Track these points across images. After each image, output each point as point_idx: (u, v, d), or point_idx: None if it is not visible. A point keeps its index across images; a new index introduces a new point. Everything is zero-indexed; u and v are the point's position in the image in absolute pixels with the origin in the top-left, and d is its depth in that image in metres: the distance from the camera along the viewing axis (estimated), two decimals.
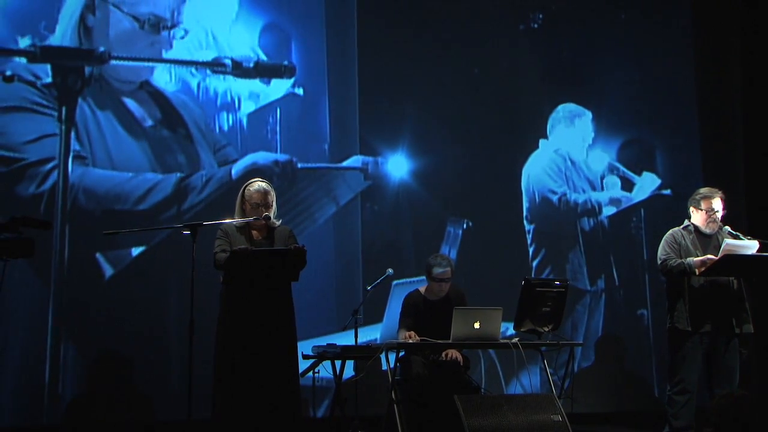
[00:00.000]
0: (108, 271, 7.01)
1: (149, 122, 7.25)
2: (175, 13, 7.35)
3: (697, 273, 6.07)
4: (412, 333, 6.14)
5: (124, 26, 7.24)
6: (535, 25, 8.54)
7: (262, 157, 7.47)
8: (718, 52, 8.65)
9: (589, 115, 8.49)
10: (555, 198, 8.30)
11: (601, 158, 8.49)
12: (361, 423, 6.16)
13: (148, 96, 7.28)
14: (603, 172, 8.48)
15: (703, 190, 6.39)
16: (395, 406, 5.73)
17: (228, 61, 7.45)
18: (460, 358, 6.23)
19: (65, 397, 6.81)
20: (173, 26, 7.34)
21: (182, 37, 7.35)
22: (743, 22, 8.58)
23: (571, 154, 8.41)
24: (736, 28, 8.60)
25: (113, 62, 7.15)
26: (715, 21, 8.68)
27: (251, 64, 7.51)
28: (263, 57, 7.57)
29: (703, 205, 6.27)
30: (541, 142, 8.35)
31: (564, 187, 8.32)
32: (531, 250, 8.19)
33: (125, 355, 6.95)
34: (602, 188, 8.46)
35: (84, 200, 6.99)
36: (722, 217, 6.30)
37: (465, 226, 7.97)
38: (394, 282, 7.23)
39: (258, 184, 5.66)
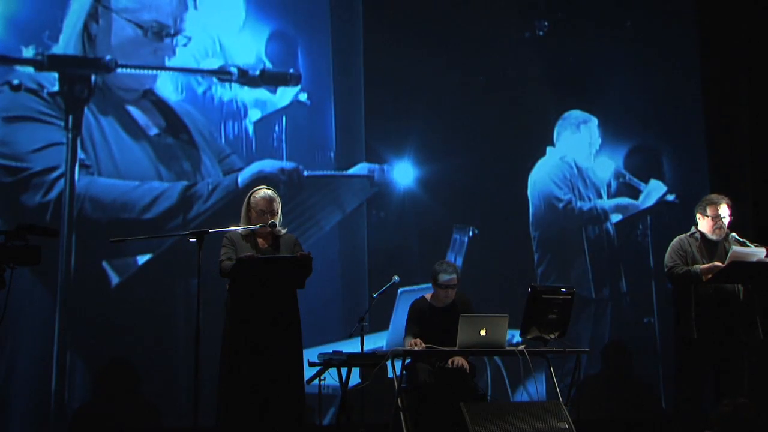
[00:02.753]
0: (114, 279, 7.01)
1: (154, 130, 7.25)
2: (178, 21, 7.35)
3: (704, 280, 6.06)
4: (418, 340, 6.12)
5: (127, 34, 7.23)
6: (541, 33, 8.54)
7: (268, 164, 7.47)
8: (725, 58, 8.63)
9: (595, 121, 8.48)
10: (561, 205, 8.28)
11: (607, 165, 8.48)
12: (367, 430, 6.15)
13: (152, 104, 7.28)
14: (609, 179, 8.47)
15: (710, 197, 6.38)
16: (401, 413, 5.72)
17: (234, 69, 7.46)
18: (466, 365, 6.21)
19: (72, 404, 6.80)
20: (176, 33, 7.34)
21: (185, 45, 7.36)
22: (749, 27, 8.57)
23: (577, 161, 8.39)
24: (742, 34, 8.59)
25: (120, 71, 7.17)
26: (721, 27, 8.67)
27: (257, 72, 7.51)
28: (269, 65, 7.58)
29: (709, 212, 6.26)
30: (548, 149, 8.34)
31: (569, 195, 8.31)
32: (536, 257, 8.18)
33: (131, 362, 6.94)
34: (608, 195, 8.45)
35: (90, 209, 6.98)
36: (729, 223, 6.29)
37: (471, 233, 7.96)
38: (401, 289, 7.23)
39: (263, 191, 5.67)
